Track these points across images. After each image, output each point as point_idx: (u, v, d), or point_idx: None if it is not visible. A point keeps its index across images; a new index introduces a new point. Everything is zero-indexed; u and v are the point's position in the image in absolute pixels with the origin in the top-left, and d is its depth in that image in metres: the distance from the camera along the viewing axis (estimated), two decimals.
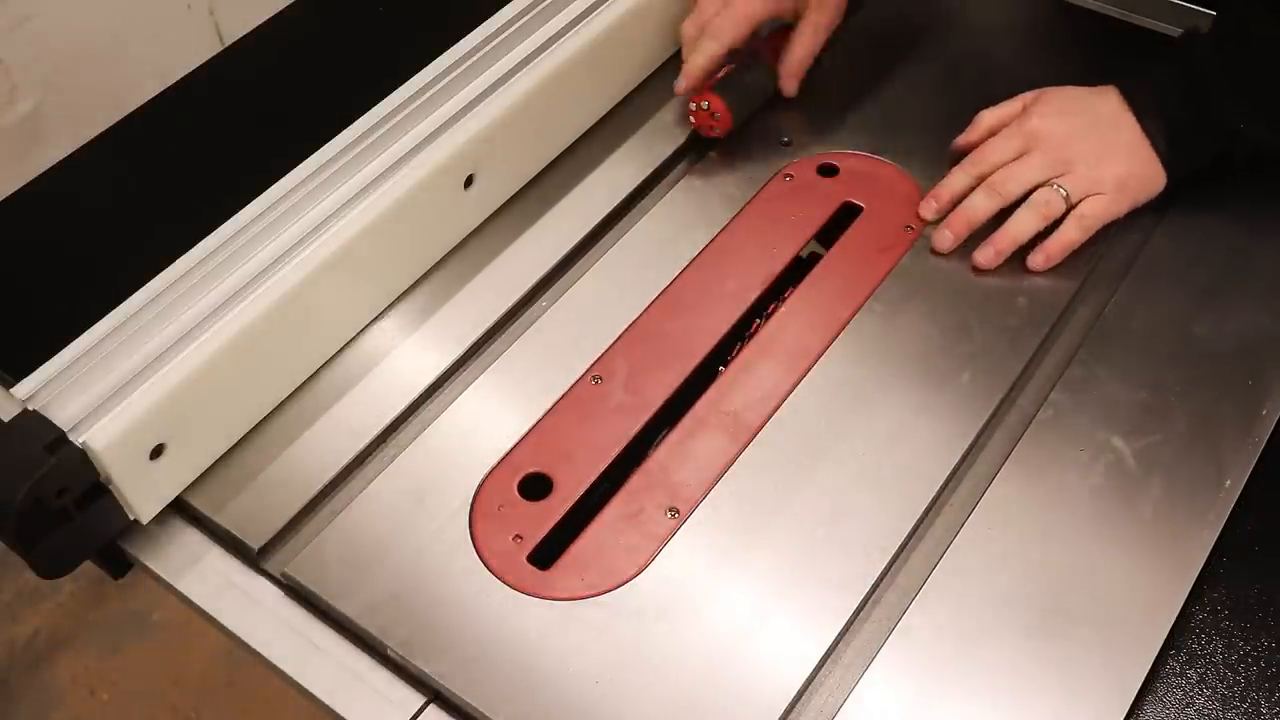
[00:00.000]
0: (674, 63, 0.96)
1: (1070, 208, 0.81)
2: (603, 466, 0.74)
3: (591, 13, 0.89)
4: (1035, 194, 0.82)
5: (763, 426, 0.75)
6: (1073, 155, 0.81)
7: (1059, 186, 0.81)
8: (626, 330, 0.81)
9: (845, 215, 0.87)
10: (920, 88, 0.95)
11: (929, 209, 0.85)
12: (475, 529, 0.71)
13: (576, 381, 0.78)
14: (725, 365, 0.79)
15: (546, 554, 0.71)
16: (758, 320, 0.83)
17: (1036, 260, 0.81)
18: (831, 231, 0.86)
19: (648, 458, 0.75)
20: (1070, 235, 0.81)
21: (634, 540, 0.71)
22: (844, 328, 0.80)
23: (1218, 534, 0.70)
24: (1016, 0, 1.03)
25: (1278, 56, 0.80)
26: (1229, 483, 0.71)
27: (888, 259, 0.84)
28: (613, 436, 0.75)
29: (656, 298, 0.82)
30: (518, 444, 0.75)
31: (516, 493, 0.73)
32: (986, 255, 0.82)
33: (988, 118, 0.87)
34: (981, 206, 0.83)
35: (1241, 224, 0.84)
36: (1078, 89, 0.85)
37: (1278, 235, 0.83)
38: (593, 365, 0.79)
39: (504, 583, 0.69)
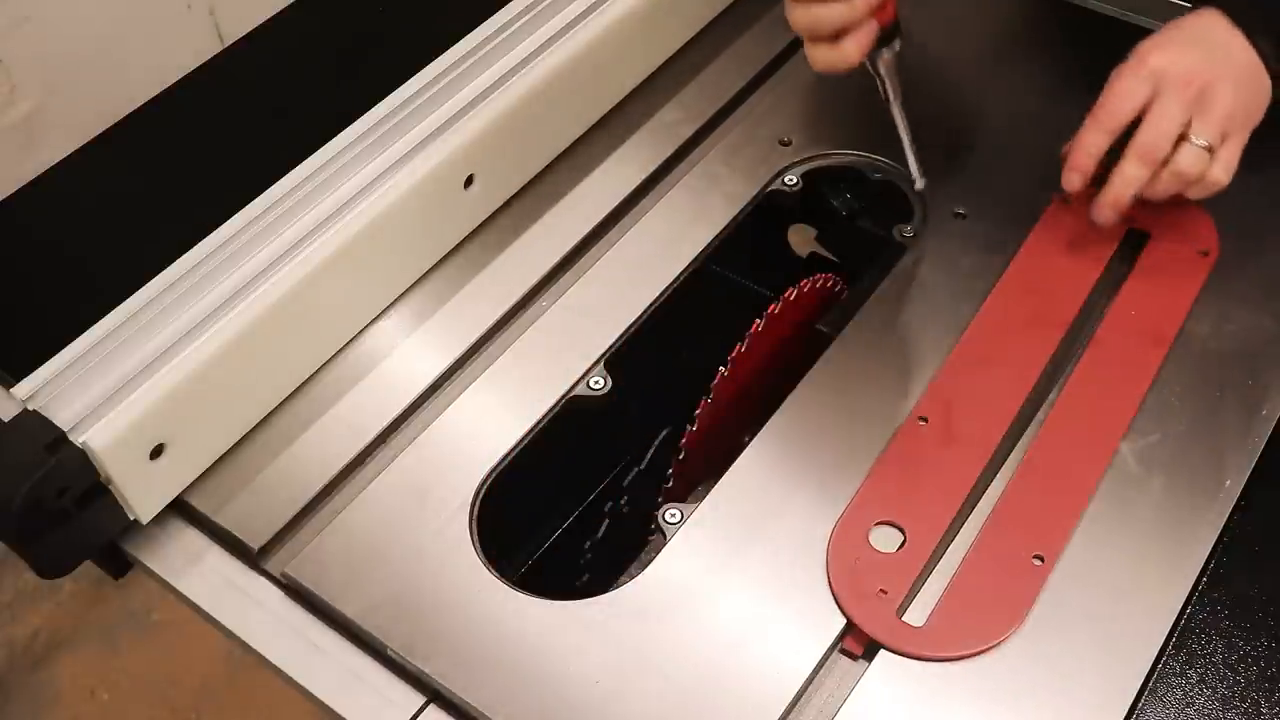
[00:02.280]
0: (674, 63, 0.97)
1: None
2: (952, 512, 0.71)
3: (591, 13, 0.89)
4: (1180, 157, 0.77)
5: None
6: (1204, 87, 0.76)
7: (1197, 139, 0.76)
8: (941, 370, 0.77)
9: (1134, 241, 0.84)
10: (921, 90, 0.94)
11: (1073, 181, 0.79)
12: (835, 583, 0.68)
13: (903, 424, 0.75)
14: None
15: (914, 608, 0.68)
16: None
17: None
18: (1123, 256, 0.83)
19: (998, 502, 0.71)
20: (1219, 181, 0.78)
21: (1002, 591, 0.68)
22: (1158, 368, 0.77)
23: (1218, 534, 0.70)
24: (1017, 2, 1.03)
25: None
26: (1229, 483, 0.71)
27: (1189, 287, 0.80)
28: (954, 480, 0.72)
29: (962, 333, 0.79)
30: (858, 492, 0.72)
31: (870, 544, 0.69)
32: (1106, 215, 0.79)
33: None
34: (1135, 178, 0.78)
35: (1242, 224, 0.84)
36: (1177, 20, 0.80)
37: (1278, 235, 0.84)
38: (917, 404, 0.75)
39: (879, 643, 0.66)
